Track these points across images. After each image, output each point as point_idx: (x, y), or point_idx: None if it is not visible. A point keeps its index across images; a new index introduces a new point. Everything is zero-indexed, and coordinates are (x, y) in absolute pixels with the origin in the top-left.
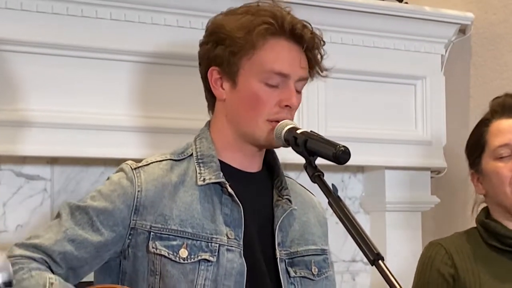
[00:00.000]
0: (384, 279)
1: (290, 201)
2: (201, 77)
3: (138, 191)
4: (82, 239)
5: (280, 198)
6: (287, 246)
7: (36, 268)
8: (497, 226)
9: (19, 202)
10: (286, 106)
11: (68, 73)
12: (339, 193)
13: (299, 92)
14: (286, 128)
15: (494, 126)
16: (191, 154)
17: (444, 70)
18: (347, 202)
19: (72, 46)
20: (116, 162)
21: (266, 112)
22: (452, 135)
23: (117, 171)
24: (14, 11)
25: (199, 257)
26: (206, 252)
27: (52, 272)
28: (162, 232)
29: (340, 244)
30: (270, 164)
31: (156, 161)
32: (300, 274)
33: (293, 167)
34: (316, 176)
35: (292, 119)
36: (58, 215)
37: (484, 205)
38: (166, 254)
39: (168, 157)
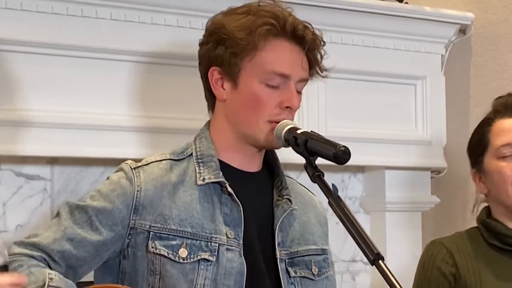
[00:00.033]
0: (384, 279)
1: (290, 201)
2: (201, 77)
3: (138, 190)
4: (81, 238)
5: (280, 198)
6: (287, 246)
7: (36, 265)
8: (498, 226)
9: (19, 202)
10: (287, 107)
11: (68, 73)
12: (339, 193)
13: (299, 92)
14: (286, 128)
15: (496, 126)
16: (191, 154)
17: (444, 70)
18: (347, 202)
19: (72, 46)
20: (116, 162)
21: (267, 113)
22: (452, 135)
23: (117, 171)
24: (14, 11)
25: (199, 257)
26: (205, 251)
27: (51, 269)
28: (162, 232)
29: (340, 244)
30: (270, 164)
31: (156, 161)
32: (300, 274)
33: (293, 167)
34: (316, 176)
35: (292, 120)
36: (58, 214)
37: (484, 204)
38: (166, 254)
39: (168, 157)
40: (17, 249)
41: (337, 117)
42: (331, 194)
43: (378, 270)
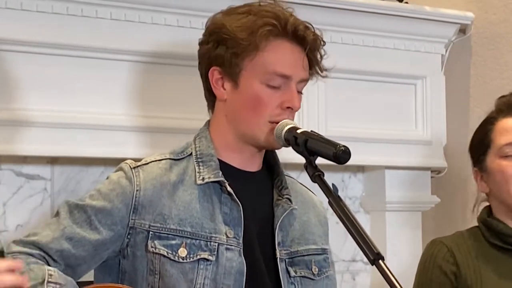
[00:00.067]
0: (384, 278)
1: (290, 200)
2: (201, 77)
3: (137, 190)
4: (80, 237)
5: (280, 198)
6: (287, 245)
7: (35, 262)
8: (499, 225)
9: (19, 202)
10: (288, 107)
11: (68, 73)
12: (339, 193)
13: (300, 92)
14: (286, 128)
15: (499, 125)
16: (190, 154)
17: (444, 70)
18: (347, 202)
19: (72, 45)
20: (116, 162)
21: (268, 113)
22: (452, 135)
23: (116, 170)
24: (14, 11)
25: (198, 256)
26: (205, 251)
27: None
28: (161, 232)
29: (340, 244)
30: (270, 163)
31: (155, 160)
32: (300, 273)
33: (293, 167)
34: (317, 175)
35: (292, 120)
36: (57, 214)
37: (484, 204)
38: (165, 254)
39: (168, 157)
40: (16, 248)
41: (337, 117)
42: (331, 194)
43: (378, 270)
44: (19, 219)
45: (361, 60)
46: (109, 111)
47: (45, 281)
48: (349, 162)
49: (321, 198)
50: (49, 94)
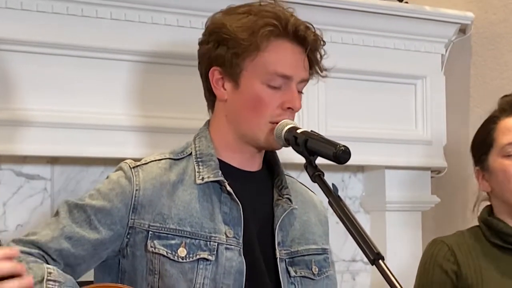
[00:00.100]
0: (384, 278)
1: (290, 200)
2: (201, 76)
3: (136, 190)
4: (79, 236)
5: (280, 197)
6: (287, 245)
7: (34, 261)
8: (499, 224)
9: (19, 202)
10: (289, 108)
11: (68, 73)
12: (339, 193)
13: (300, 92)
14: (286, 128)
15: (502, 124)
16: (190, 153)
17: (444, 70)
18: (347, 202)
19: (72, 45)
20: (116, 162)
21: (269, 114)
22: (452, 135)
23: (116, 170)
24: (14, 11)
25: (198, 256)
26: (204, 251)
27: None
28: (161, 231)
29: (341, 244)
30: (270, 163)
31: (155, 160)
32: (301, 273)
33: (294, 166)
34: (317, 175)
35: (293, 120)
36: (57, 213)
37: (485, 204)
38: (165, 253)
39: (167, 156)
40: (15, 247)
41: (337, 117)
42: (331, 193)
43: (378, 269)
44: (19, 219)
45: (361, 60)
46: (109, 111)
47: (45, 279)
48: (349, 162)
49: (321, 198)
50: (49, 94)
